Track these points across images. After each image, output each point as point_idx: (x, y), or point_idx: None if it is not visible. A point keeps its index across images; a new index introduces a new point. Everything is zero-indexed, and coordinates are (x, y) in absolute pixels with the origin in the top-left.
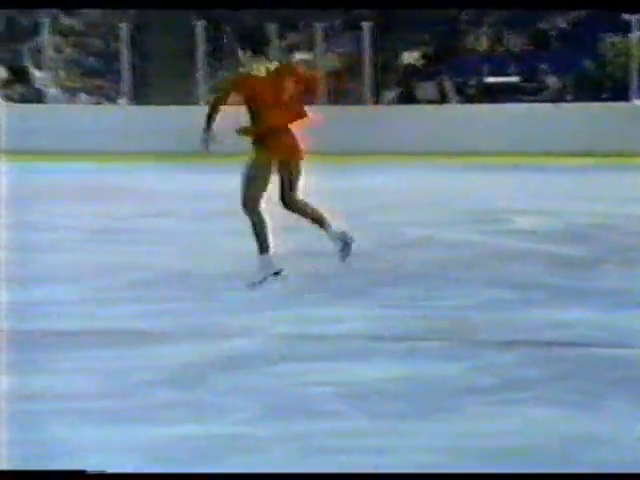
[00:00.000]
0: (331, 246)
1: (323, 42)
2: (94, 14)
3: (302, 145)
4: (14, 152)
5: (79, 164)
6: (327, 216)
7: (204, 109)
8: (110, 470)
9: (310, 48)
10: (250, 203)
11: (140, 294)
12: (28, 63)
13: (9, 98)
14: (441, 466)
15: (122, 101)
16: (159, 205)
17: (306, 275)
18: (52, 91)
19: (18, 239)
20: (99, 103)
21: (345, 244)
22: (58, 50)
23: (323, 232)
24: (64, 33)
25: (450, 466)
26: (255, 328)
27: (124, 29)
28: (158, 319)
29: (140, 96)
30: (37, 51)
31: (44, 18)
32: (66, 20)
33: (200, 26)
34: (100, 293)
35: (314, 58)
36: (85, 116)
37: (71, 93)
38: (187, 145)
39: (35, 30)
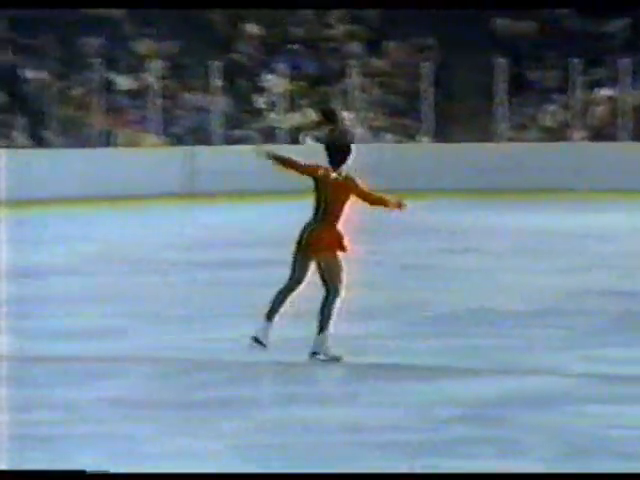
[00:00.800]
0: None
1: (628, 77)
2: (399, 54)
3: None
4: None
5: None
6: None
7: (503, 146)
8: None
9: (614, 83)
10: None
11: (442, 329)
12: (337, 105)
13: (318, 139)
14: None
15: (424, 139)
16: (463, 241)
17: (612, 315)
18: (358, 131)
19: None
20: (401, 141)
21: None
22: (365, 91)
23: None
24: (371, 74)
25: None
26: (559, 367)
27: (427, 68)
28: (459, 354)
29: (441, 133)
30: (345, 93)
31: (353, 60)
32: (374, 61)
33: (500, 62)
34: (404, 328)
35: (618, 93)
36: (388, 154)
37: (375, 132)
38: (487, 182)
39: (343, 72)
